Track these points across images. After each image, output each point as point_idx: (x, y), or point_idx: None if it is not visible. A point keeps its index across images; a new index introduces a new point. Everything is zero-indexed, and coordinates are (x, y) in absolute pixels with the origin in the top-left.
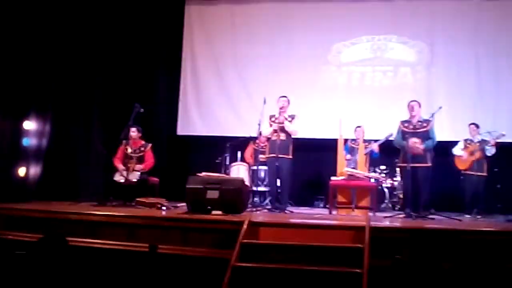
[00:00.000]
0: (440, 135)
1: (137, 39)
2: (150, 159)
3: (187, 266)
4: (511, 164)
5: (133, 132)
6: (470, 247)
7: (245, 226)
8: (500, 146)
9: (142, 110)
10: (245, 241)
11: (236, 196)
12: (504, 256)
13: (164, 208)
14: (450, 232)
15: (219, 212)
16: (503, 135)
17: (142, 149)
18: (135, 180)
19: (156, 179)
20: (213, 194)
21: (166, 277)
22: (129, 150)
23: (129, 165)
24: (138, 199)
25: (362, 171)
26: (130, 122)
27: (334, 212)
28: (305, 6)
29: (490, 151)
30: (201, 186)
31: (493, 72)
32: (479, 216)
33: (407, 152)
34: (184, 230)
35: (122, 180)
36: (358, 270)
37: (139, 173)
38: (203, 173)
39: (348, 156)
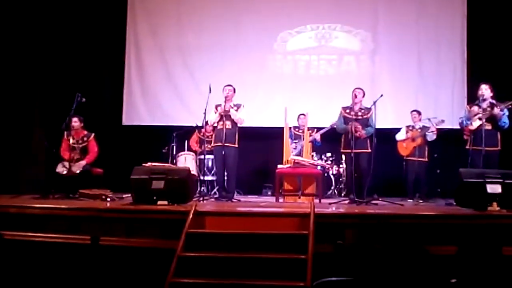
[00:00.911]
0: (384, 122)
1: (80, 28)
2: (93, 149)
3: (132, 257)
4: (449, 150)
5: (75, 122)
6: (411, 230)
7: (190, 216)
8: (440, 132)
9: (84, 99)
10: (191, 230)
11: (181, 186)
12: (444, 238)
13: (108, 199)
14: (393, 216)
15: (165, 202)
16: (443, 121)
17: (85, 139)
18: (78, 171)
19: (100, 170)
20: (158, 184)
21: (111, 269)
22: (72, 141)
23: (72, 155)
24: (81, 190)
25: (307, 158)
26: (72, 112)
27: (280, 200)
28: None
29: (431, 137)
30: (146, 176)
31: (434, 60)
32: (421, 201)
33: (350, 134)
34: (129, 221)
35: (65, 172)
36: (302, 256)
37: (83, 164)
38: (149, 163)
39: (293, 144)
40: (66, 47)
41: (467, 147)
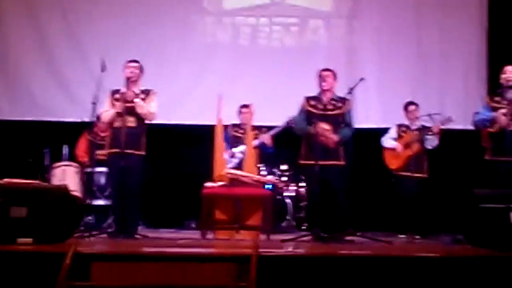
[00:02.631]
0: (364, 119)
1: None
2: None
3: None
4: (459, 161)
5: None
6: (405, 279)
7: (68, 261)
8: (445, 136)
9: None
10: (70, 283)
11: (55, 215)
12: None
13: None
14: (376, 259)
15: (29, 240)
16: (450, 119)
17: None
18: None
19: None
20: (19, 212)
21: None
22: None
23: None
24: None
25: (250, 172)
26: None
27: (209, 236)
28: None
29: (432, 142)
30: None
31: (440, 32)
32: (417, 236)
33: (314, 142)
34: None
35: None
36: None
37: None
38: (5, 180)
39: (231, 151)
40: None
41: (486, 157)
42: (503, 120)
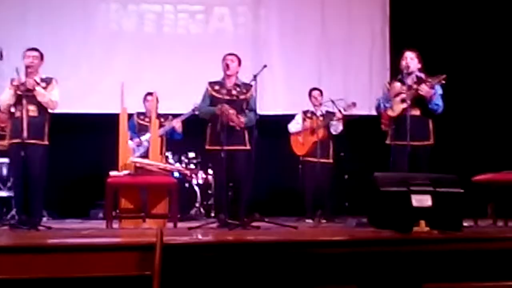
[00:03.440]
0: (271, 106)
1: None
2: None
3: None
4: (362, 146)
5: None
6: (311, 263)
7: None
8: (347, 121)
9: None
10: None
11: None
12: (351, 273)
13: None
14: (282, 244)
15: None
16: (354, 104)
17: None
18: None
19: None
20: None
21: None
22: None
23: None
24: None
25: (156, 161)
26: None
27: (115, 225)
28: None
29: (337, 127)
30: None
31: (344, 19)
32: (324, 220)
33: (219, 122)
34: None
35: None
36: None
37: None
38: None
39: (137, 140)
40: None
41: (387, 141)
42: (401, 105)
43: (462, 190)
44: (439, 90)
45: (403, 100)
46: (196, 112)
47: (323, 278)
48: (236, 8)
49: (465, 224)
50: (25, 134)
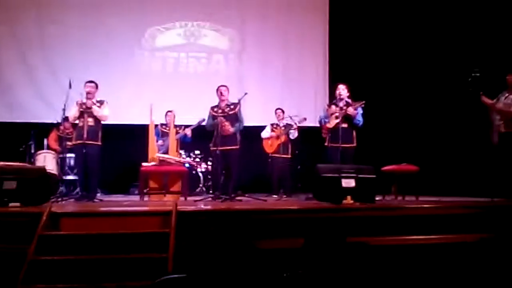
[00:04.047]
0: (250, 119)
1: None
2: None
3: None
4: (310, 147)
5: None
6: (274, 224)
7: (44, 218)
8: (301, 130)
9: None
10: (44, 233)
11: (36, 186)
12: (301, 230)
13: None
14: (256, 211)
15: (17, 204)
16: (305, 119)
17: None
18: None
19: None
20: (10, 185)
21: None
22: None
23: None
24: None
25: (173, 156)
26: None
27: (146, 199)
28: None
29: (293, 134)
30: None
31: (298, 62)
32: (284, 196)
33: (218, 130)
34: None
35: None
36: (163, 255)
37: None
38: (0, 163)
39: (160, 142)
40: None
41: (326, 144)
42: (335, 120)
43: (375, 176)
44: (360, 111)
45: (336, 117)
46: (202, 124)
47: (283, 233)
48: (228, 55)
49: (377, 198)
50: (85, 137)
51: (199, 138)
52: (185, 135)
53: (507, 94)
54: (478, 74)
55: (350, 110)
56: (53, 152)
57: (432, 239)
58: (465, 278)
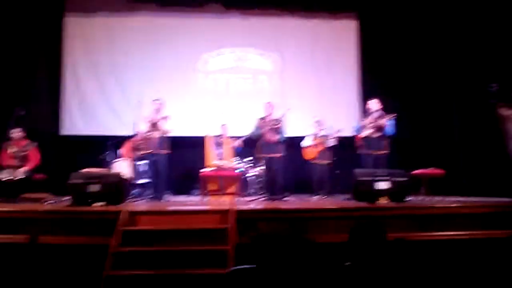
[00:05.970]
0: (292, 130)
1: (17, 45)
2: (34, 158)
3: (69, 255)
4: (346, 154)
5: (16, 133)
6: (318, 220)
7: (124, 215)
8: (338, 140)
9: (23, 112)
10: (124, 228)
11: (115, 188)
12: (340, 227)
13: (47, 202)
14: (302, 210)
15: (103, 203)
16: (339, 130)
17: (26, 148)
18: (19, 177)
19: (42, 175)
20: (94, 188)
21: (49, 266)
22: (12, 150)
23: (12, 163)
24: (22, 195)
25: (228, 162)
26: (10, 124)
27: (206, 199)
28: (175, 20)
29: (331, 143)
30: (82, 181)
31: (332, 79)
32: (324, 197)
33: (263, 139)
34: (66, 222)
35: (5, 178)
36: (224, 247)
37: (24, 170)
38: (85, 169)
39: (218, 151)
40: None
41: (359, 151)
42: (367, 131)
43: (406, 179)
44: (391, 122)
45: (368, 128)
46: (251, 135)
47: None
48: (271, 75)
49: (408, 198)
50: (154, 147)
51: (250, 147)
52: (238, 144)
53: None
54: (497, 88)
55: (381, 121)
56: (128, 160)
57: (461, 235)
58: (492, 272)
